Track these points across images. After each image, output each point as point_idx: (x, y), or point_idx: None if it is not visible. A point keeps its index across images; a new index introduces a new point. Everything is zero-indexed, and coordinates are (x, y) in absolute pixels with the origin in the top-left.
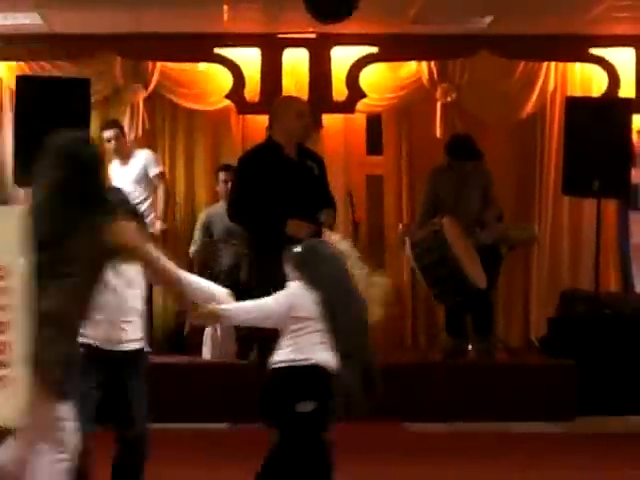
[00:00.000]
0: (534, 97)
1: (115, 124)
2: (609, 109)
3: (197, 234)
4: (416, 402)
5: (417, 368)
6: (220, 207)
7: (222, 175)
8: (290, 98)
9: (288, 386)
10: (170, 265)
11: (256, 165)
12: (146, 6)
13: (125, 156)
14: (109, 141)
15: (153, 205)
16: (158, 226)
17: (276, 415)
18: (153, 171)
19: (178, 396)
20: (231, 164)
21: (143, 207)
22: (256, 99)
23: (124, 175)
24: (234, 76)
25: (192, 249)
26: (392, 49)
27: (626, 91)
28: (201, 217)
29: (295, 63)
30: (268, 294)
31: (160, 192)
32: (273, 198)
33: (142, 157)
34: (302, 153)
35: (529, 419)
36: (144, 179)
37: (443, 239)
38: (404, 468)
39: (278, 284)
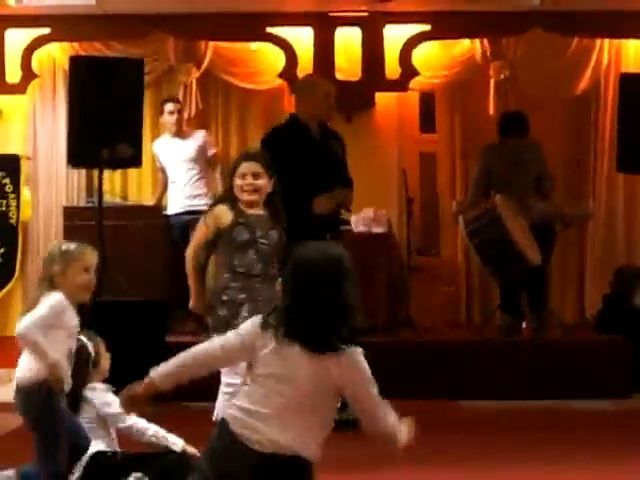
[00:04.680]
0: (588, 74)
1: (177, 99)
2: None
3: None
4: (471, 380)
5: (472, 346)
6: None
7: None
8: (316, 78)
9: None
10: None
11: (280, 143)
12: None
13: (182, 133)
14: (171, 114)
15: (208, 184)
16: None
17: None
18: (211, 151)
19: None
20: None
21: (200, 185)
22: None
23: (180, 151)
24: (287, 55)
25: None
26: (445, 26)
27: None
28: None
29: (348, 41)
30: None
31: (217, 172)
32: (297, 177)
33: (200, 136)
34: (326, 133)
35: (585, 396)
36: (201, 158)
37: (496, 216)
38: (459, 446)
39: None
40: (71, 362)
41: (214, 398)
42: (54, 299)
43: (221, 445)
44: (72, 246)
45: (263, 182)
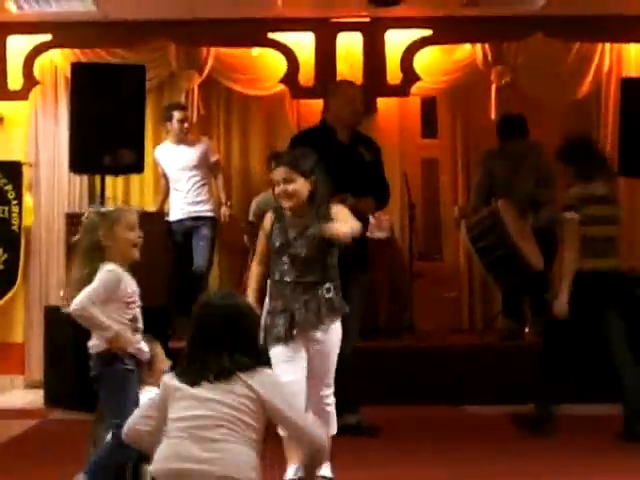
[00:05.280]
0: (589, 78)
1: (184, 106)
2: None
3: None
4: (474, 385)
5: (474, 350)
6: (269, 194)
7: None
8: (342, 83)
9: None
10: None
11: (305, 145)
12: None
13: (188, 139)
14: (181, 122)
15: (210, 191)
16: (224, 211)
17: None
18: (213, 158)
19: None
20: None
21: (203, 192)
22: (310, 84)
23: (182, 158)
24: (288, 61)
25: (246, 238)
26: (446, 32)
27: None
28: (252, 206)
29: (349, 47)
30: None
31: (219, 179)
32: None
33: (204, 143)
34: (356, 138)
35: (587, 401)
36: (203, 165)
37: (498, 222)
38: (463, 451)
39: None
40: (137, 328)
41: None
42: (107, 272)
43: None
44: (110, 208)
45: (295, 186)
